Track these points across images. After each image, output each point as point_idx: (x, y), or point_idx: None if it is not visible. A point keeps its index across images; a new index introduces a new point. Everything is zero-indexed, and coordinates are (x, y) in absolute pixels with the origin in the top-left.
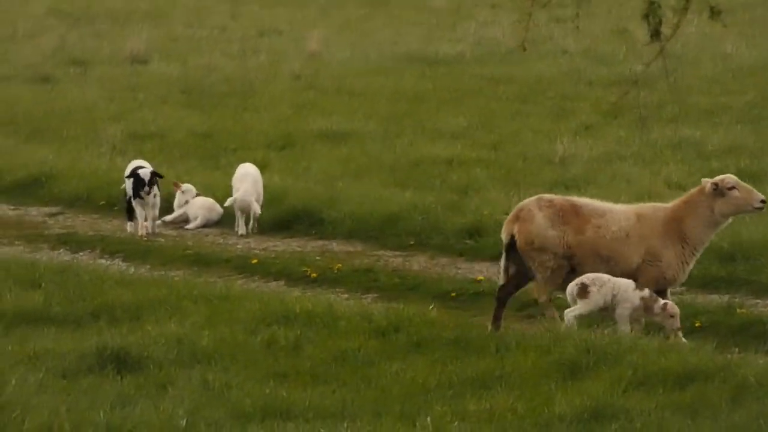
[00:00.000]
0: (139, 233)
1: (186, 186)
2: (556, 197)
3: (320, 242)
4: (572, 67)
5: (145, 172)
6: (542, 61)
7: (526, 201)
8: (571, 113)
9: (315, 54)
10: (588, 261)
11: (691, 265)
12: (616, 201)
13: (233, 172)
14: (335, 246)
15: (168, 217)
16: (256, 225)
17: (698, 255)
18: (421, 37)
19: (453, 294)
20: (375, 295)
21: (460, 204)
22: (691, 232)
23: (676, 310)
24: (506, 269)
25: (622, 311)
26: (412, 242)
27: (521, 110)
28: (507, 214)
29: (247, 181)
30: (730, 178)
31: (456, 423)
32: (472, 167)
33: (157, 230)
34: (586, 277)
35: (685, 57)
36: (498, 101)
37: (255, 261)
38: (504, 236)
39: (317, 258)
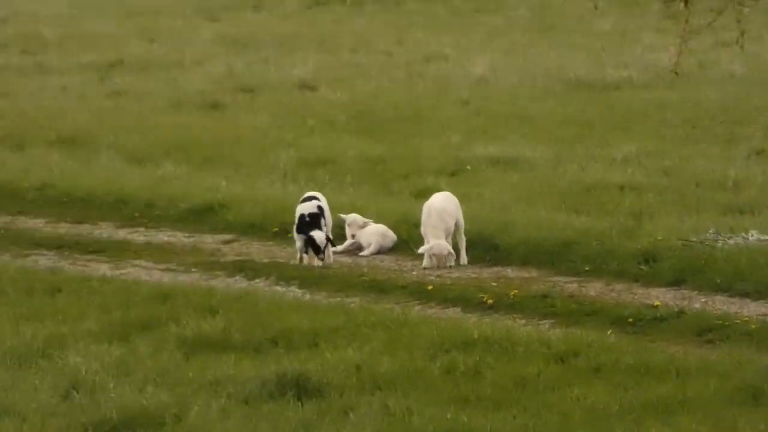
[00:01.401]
0: (315, 262)
1: (350, 217)
2: None
3: (495, 268)
4: (740, 91)
5: (320, 237)
6: (710, 85)
7: None
8: (742, 138)
9: (482, 79)
10: None
11: None
12: None
13: (405, 199)
14: (510, 272)
15: (339, 247)
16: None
17: None
18: (588, 62)
19: (630, 319)
20: (552, 320)
21: (634, 229)
22: None
23: None
24: None
25: None
26: (587, 268)
27: (691, 135)
28: (681, 239)
29: (432, 220)
30: None
31: None
32: (644, 192)
33: (331, 260)
34: None
35: None
36: (667, 126)
37: (431, 287)
38: None
39: (493, 284)
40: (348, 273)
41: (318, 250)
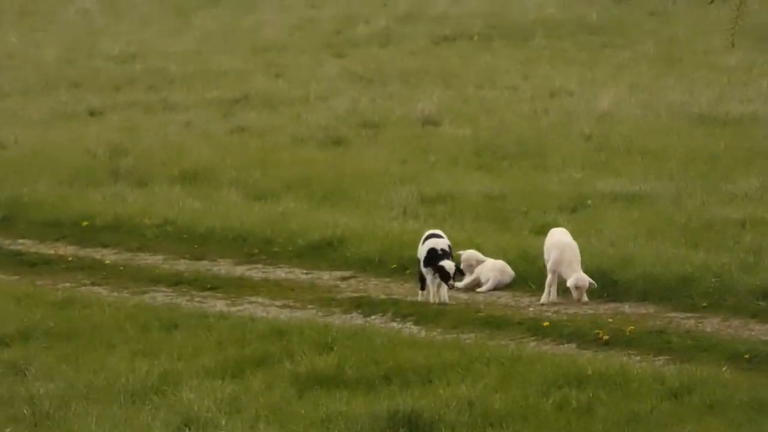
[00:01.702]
0: (431, 299)
1: (467, 254)
2: None
3: (612, 304)
4: None
5: (450, 266)
6: None
7: None
8: None
9: (606, 114)
10: None
11: None
12: None
13: (525, 236)
14: (627, 308)
15: (459, 284)
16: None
17: None
18: (713, 97)
19: (746, 356)
20: (667, 356)
21: (754, 265)
22: None
23: None
24: None
25: None
26: (704, 303)
27: None
28: None
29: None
30: None
31: None
32: (766, 228)
33: (447, 299)
34: None
35: None
36: None
37: (547, 324)
38: None
39: (609, 320)
40: (464, 309)
41: (447, 277)
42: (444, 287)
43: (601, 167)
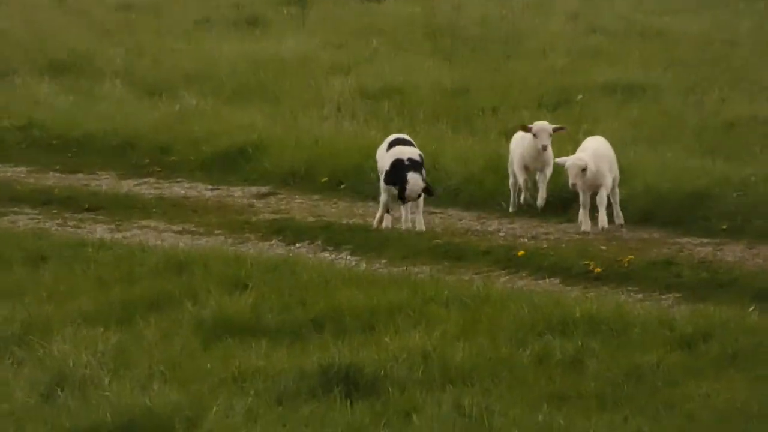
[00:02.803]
0: (404, 226)
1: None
2: None
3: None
4: None
5: (416, 182)
6: None
7: None
8: None
9: None
10: None
11: None
12: None
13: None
14: (625, 233)
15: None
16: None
17: None
18: None
19: None
20: (677, 294)
21: None
22: None
23: None
24: None
25: None
26: (724, 227)
27: None
28: None
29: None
30: None
31: None
32: None
33: (423, 226)
34: None
35: None
36: None
37: (522, 253)
38: None
39: (602, 248)
40: (416, 235)
41: (403, 198)
42: (419, 212)
43: (591, 54)
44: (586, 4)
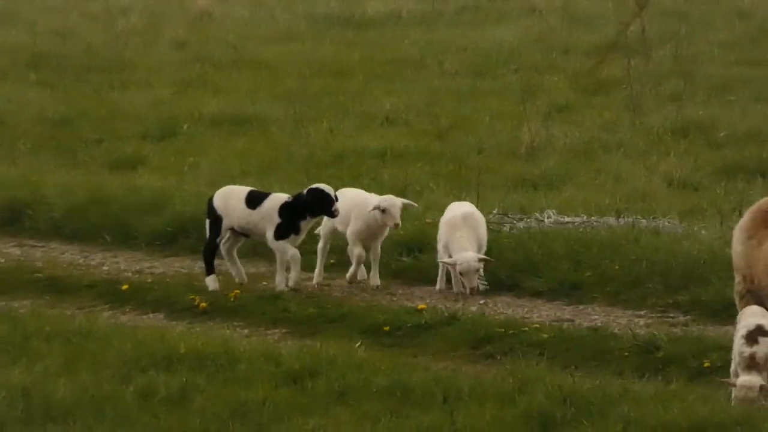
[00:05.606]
0: None
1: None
2: None
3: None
4: (543, 30)
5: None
6: (504, 22)
7: None
8: (541, 90)
9: (204, 14)
10: None
11: None
12: (602, 202)
13: (96, 172)
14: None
15: None
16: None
17: None
18: None
19: (386, 328)
20: (284, 330)
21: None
22: None
23: None
24: None
25: None
26: (333, 260)
27: (475, 87)
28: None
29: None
30: None
31: None
32: (411, 161)
33: None
34: None
35: (692, 15)
36: (444, 76)
37: (126, 287)
38: None
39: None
40: (16, 268)
41: None
42: None
43: (197, 84)
44: (194, 33)
